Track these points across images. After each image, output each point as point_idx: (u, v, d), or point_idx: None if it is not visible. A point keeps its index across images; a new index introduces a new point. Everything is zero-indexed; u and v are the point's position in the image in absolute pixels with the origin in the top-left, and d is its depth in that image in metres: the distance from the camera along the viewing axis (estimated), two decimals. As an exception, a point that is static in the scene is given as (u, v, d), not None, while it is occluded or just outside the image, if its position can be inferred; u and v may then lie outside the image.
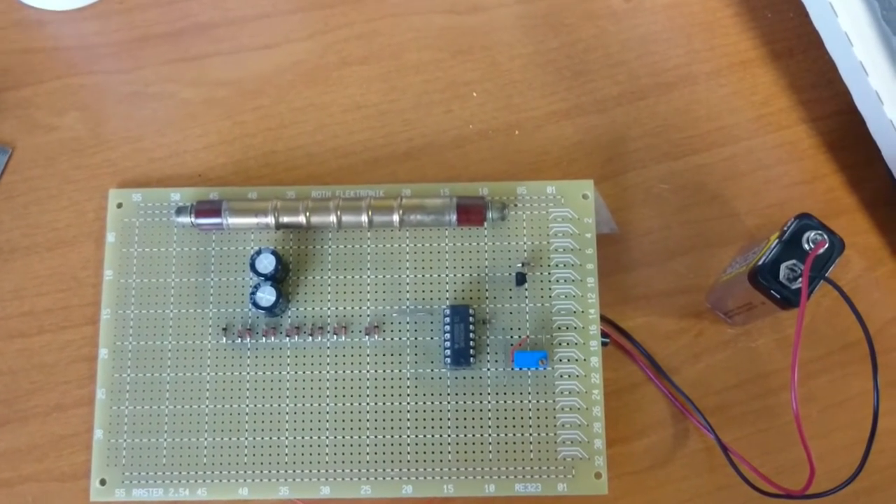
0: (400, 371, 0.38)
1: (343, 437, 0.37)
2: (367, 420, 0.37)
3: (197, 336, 0.38)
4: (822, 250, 0.33)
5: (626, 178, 0.41)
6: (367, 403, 0.37)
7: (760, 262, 0.33)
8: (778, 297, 0.33)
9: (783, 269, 0.33)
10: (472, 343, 0.37)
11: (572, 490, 0.36)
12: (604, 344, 0.38)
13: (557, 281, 0.38)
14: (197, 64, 0.43)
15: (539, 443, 0.37)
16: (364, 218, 0.38)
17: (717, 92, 0.43)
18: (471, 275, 0.38)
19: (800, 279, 0.33)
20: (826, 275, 0.33)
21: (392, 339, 0.38)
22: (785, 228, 0.33)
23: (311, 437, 0.37)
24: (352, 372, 0.38)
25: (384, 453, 0.37)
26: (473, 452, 0.37)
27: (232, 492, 0.37)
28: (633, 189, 0.41)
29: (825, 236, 0.33)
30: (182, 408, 0.37)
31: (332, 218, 0.38)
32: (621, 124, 0.42)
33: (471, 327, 0.37)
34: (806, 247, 0.33)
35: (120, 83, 0.43)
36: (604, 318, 0.39)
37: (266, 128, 0.42)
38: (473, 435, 0.37)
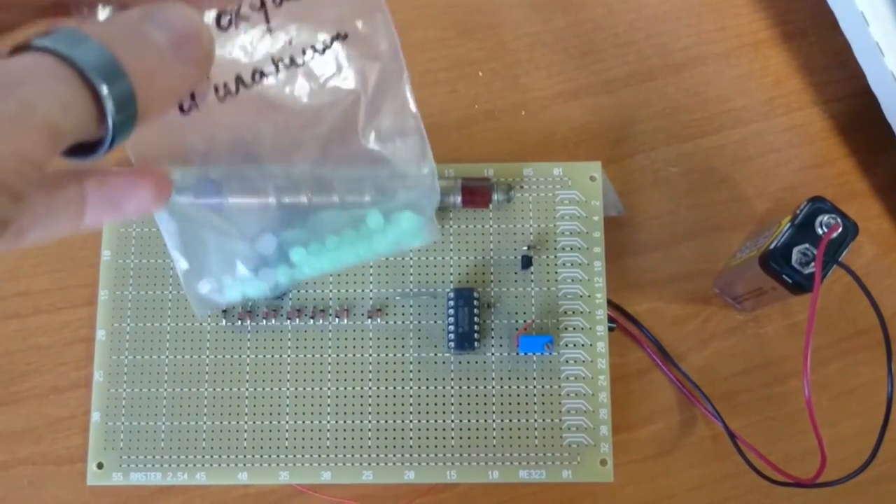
0: (403, 355, 0.37)
1: (344, 422, 0.36)
2: (369, 405, 0.37)
3: (196, 318, 0.37)
4: (835, 234, 0.32)
5: (634, 160, 0.41)
6: (370, 388, 0.37)
7: (772, 246, 0.33)
8: (790, 281, 0.32)
9: (795, 253, 0.32)
10: (476, 327, 0.36)
11: (577, 477, 0.36)
12: (610, 329, 0.37)
13: (564, 264, 0.38)
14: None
15: (544, 429, 0.36)
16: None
17: (727, 73, 0.42)
18: (476, 257, 0.38)
19: (812, 264, 0.32)
20: (839, 259, 0.32)
21: (395, 322, 0.37)
22: (797, 212, 0.33)
23: (311, 422, 0.36)
24: (354, 355, 0.37)
25: (386, 438, 0.36)
26: (477, 438, 0.36)
27: (231, 476, 0.36)
28: (640, 171, 0.40)
29: (839, 220, 0.32)
30: (181, 391, 0.37)
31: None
32: (629, 105, 0.41)
33: (475, 311, 0.36)
34: (819, 231, 0.32)
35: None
36: (610, 303, 0.38)
37: (267, 107, 0.41)
38: (477, 420, 0.36)
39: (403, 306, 0.37)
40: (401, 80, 0.26)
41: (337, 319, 0.37)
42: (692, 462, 0.38)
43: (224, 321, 0.37)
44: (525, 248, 0.38)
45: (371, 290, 0.38)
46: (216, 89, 0.24)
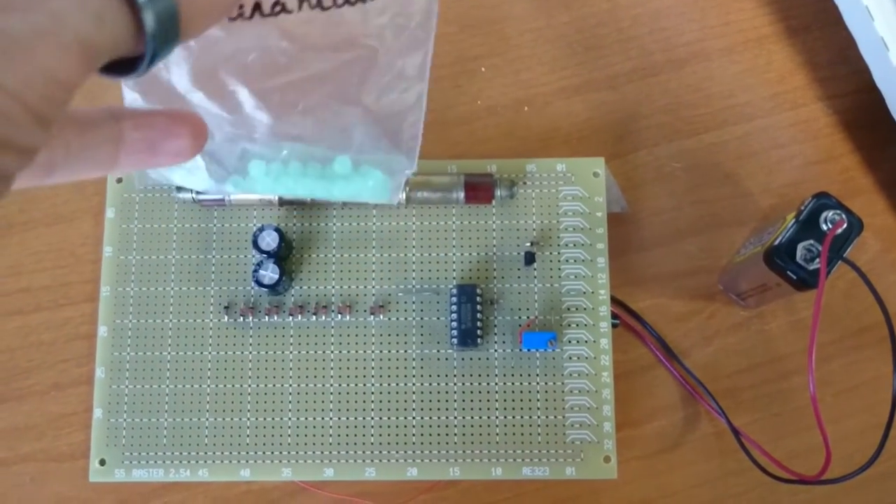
0: (405, 351, 0.37)
1: (347, 419, 0.36)
2: (372, 401, 0.36)
3: (198, 314, 0.37)
4: (840, 230, 0.32)
5: (638, 156, 0.40)
6: (372, 384, 0.37)
7: (777, 242, 0.33)
8: (794, 278, 0.32)
9: (800, 250, 0.32)
10: (479, 323, 0.36)
11: (581, 474, 0.36)
12: (614, 325, 0.37)
13: (567, 261, 0.37)
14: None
15: (547, 426, 0.36)
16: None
17: (730, 69, 0.42)
18: (478, 254, 0.38)
19: (817, 260, 0.32)
20: (844, 255, 0.32)
21: (398, 318, 0.37)
22: (802, 208, 0.33)
23: (314, 418, 0.36)
24: (356, 352, 0.37)
25: (389, 435, 0.36)
26: (480, 435, 0.36)
27: (233, 473, 0.36)
28: (644, 167, 0.40)
29: (843, 216, 0.32)
30: (183, 387, 0.37)
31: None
32: (633, 101, 0.41)
33: (478, 307, 0.36)
34: (824, 227, 0.32)
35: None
36: (614, 299, 0.38)
37: (269, 102, 0.41)
38: (480, 417, 0.36)
39: (406, 302, 0.37)
40: (425, 51, 0.26)
41: (339, 315, 0.37)
42: (696, 459, 0.37)
43: (226, 317, 0.37)
44: (528, 244, 0.38)
45: (374, 287, 0.37)
46: None
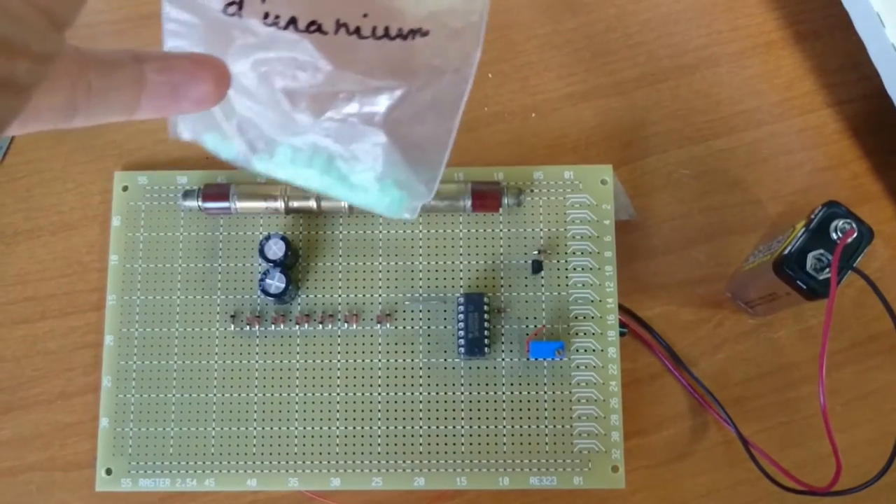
0: (412, 360, 0.37)
1: (354, 428, 0.36)
2: (379, 410, 0.36)
3: (204, 323, 0.37)
4: (850, 239, 0.32)
5: (646, 162, 0.40)
6: (379, 393, 0.36)
7: (786, 252, 0.32)
8: (804, 287, 0.32)
9: (810, 259, 0.32)
10: (486, 332, 0.36)
11: (589, 483, 0.36)
12: (622, 334, 0.37)
13: (575, 269, 0.37)
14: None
15: (555, 435, 0.36)
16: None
17: (739, 74, 0.41)
18: (486, 262, 0.37)
19: (827, 269, 0.32)
20: (854, 265, 0.32)
21: (404, 327, 0.37)
22: (812, 216, 0.32)
23: (321, 428, 0.36)
24: (363, 361, 0.37)
25: (396, 444, 0.36)
26: (487, 444, 0.36)
27: (240, 483, 0.36)
28: (652, 174, 0.40)
29: (854, 225, 0.32)
30: (189, 396, 0.37)
31: (344, 203, 0.37)
32: (641, 107, 0.41)
33: (485, 316, 0.36)
34: (834, 236, 0.32)
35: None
36: (622, 308, 0.38)
37: (275, 109, 0.41)
38: (487, 426, 0.36)
39: (413, 311, 0.37)
40: (461, 96, 0.25)
41: (346, 324, 0.37)
42: (704, 468, 0.37)
43: (233, 326, 0.37)
44: (535, 252, 0.37)
45: (380, 295, 0.37)
46: (266, 15, 0.23)
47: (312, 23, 0.23)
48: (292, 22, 0.23)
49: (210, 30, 0.24)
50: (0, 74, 0.15)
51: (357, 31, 0.23)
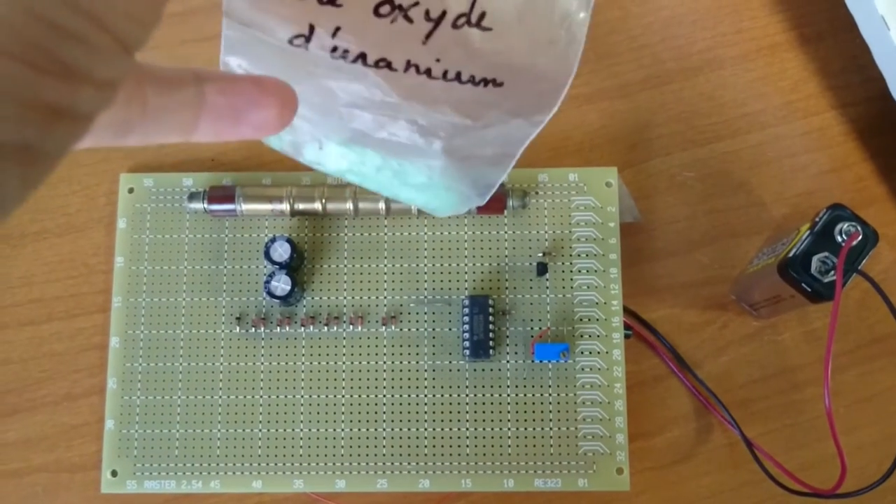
0: (417, 363, 0.37)
1: (359, 430, 0.36)
2: (384, 412, 0.36)
3: (210, 325, 0.37)
4: (855, 242, 0.32)
5: (650, 165, 0.40)
6: (384, 395, 0.37)
7: (791, 254, 0.32)
8: (809, 290, 0.32)
9: (815, 262, 0.32)
10: (491, 335, 0.36)
11: (593, 485, 0.36)
12: (626, 336, 0.37)
13: (579, 271, 0.37)
14: (211, 44, 0.42)
15: (559, 437, 0.36)
16: (381, 205, 0.37)
17: (744, 77, 0.41)
18: (490, 264, 0.37)
19: (832, 272, 0.32)
20: (859, 267, 0.32)
21: (409, 329, 0.37)
22: (817, 219, 0.32)
23: (326, 430, 0.36)
24: (368, 363, 0.37)
25: (401, 446, 0.36)
26: (492, 447, 0.36)
27: (245, 485, 0.36)
28: (657, 177, 0.40)
29: (858, 228, 0.32)
30: (195, 398, 0.37)
31: (349, 205, 0.37)
32: (645, 110, 0.41)
33: (490, 318, 0.36)
34: (839, 238, 0.32)
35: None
36: (626, 310, 0.38)
37: (280, 111, 0.41)
38: (492, 429, 0.36)
39: (418, 313, 0.37)
40: (525, 139, 0.24)
41: (351, 326, 0.37)
42: (708, 470, 0.37)
43: (238, 328, 0.37)
44: (540, 254, 0.37)
45: (385, 297, 0.37)
46: (334, 49, 0.22)
47: (382, 59, 0.22)
48: (361, 57, 0.22)
49: (273, 54, 0.23)
50: (62, 103, 0.13)
51: (428, 71, 0.23)
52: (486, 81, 0.23)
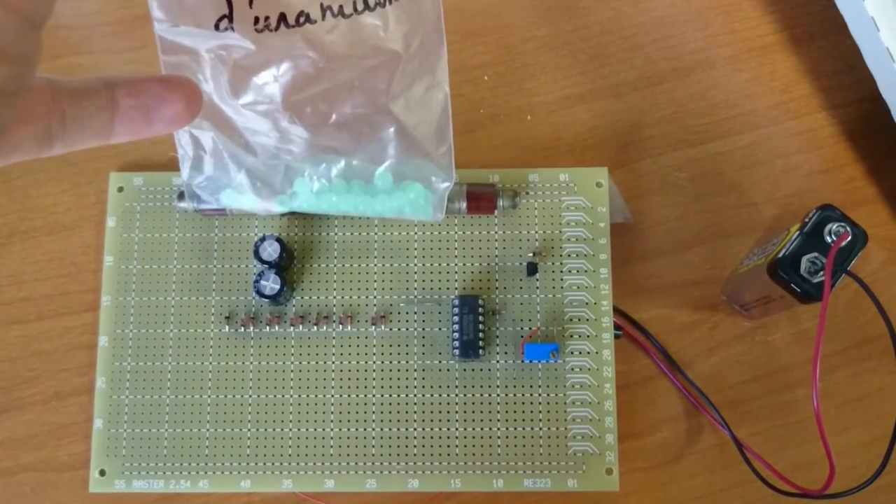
0: (407, 362, 0.37)
1: (348, 430, 0.36)
2: (373, 412, 0.36)
3: (199, 324, 0.37)
4: (844, 243, 0.32)
5: (641, 165, 0.40)
6: (373, 395, 0.36)
7: (781, 255, 0.32)
8: (799, 290, 0.32)
9: (804, 262, 0.32)
10: (481, 334, 0.36)
11: (583, 486, 0.36)
12: (616, 336, 0.37)
13: (570, 271, 0.37)
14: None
15: (549, 437, 0.36)
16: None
17: (735, 77, 0.41)
18: (480, 264, 0.37)
19: (821, 272, 0.32)
20: (848, 268, 0.32)
21: (399, 329, 0.37)
22: (806, 220, 0.32)
23: (315, 429, 0.36)
24: (357, 363, 0.37)
25: (390, 446, 0.36)
26: (481, 447, 0.36)
27: (234, 484, 0.36)
28: (648, 177, 0.40)
29: (848, 228, 0.32)
30: (184, 398, 0.37)
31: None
32: (637, 110, 0.41)
33: (480, 318, 0.36)
34: (828, 239, 0.32)
35: (121, 63, 0.42)
36: (616, 310, 0.38)
37: (271, 111, 0.41)
38: (482, 429, 0.36)
39: (408, 313, 0.37)
40: (440, 54, 0.27)
41: (340, 326, 0.37)
42: (698, 471, 0.37)
43: (227, 328, 0.37)
44: (530, 254, 0.37)
45: (375, 297, 0.37)
46: (256, 20, 0.24)
47: (301, 13, 0.24)
48: (282, 19, 0.24)
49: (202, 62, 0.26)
50: None
51: (341, 11, 0.25)
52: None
